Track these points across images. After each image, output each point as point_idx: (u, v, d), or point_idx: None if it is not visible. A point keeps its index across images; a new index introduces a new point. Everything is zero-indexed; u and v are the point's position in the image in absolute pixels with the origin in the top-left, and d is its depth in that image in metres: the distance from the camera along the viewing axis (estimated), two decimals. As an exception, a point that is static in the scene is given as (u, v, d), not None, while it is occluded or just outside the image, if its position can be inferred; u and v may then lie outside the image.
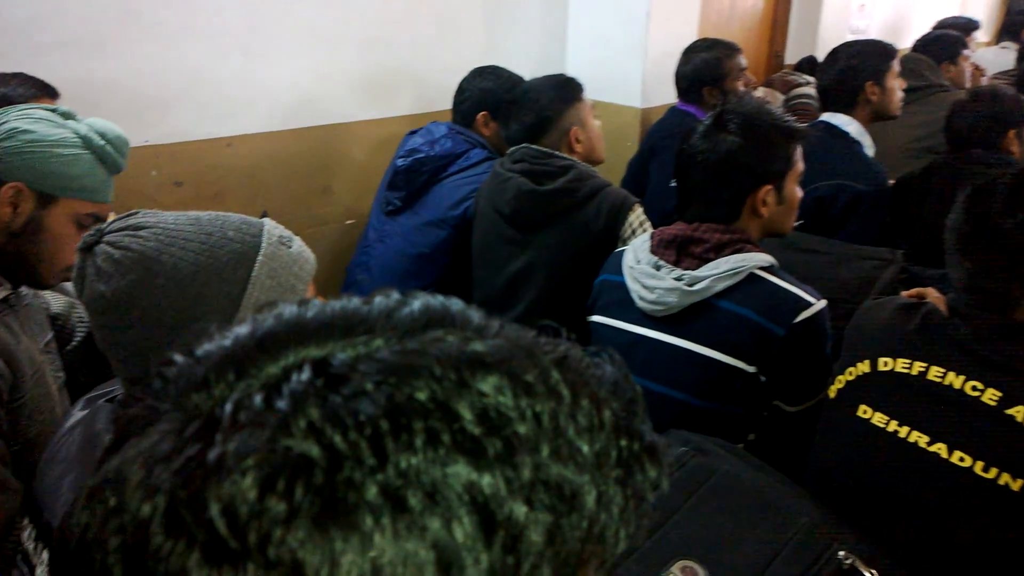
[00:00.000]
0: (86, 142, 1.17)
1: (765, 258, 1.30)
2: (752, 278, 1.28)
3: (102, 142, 1.18)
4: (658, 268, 1.34)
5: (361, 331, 0.33)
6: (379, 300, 0.35)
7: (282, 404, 0.29)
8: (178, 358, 0.33)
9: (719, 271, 1.27)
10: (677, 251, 1.33)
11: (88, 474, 0.78)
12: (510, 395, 0.30)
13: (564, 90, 1.81)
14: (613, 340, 1.41)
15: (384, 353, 0.31)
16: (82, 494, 0.31)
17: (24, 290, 1.27)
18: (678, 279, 1.30)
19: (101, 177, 1.21)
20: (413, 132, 2.11)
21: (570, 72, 1.97)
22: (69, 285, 1.51)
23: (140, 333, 0.81)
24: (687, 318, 1.31)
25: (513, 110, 1.82)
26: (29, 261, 1.20)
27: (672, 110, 2.47)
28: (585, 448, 0.32)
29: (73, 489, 0.80)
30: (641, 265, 1.36)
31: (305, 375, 0.30)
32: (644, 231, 1.67)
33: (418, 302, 0.35)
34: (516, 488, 0.29)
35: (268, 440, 0.28)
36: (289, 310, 0.35)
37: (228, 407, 0.29)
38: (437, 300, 0.36)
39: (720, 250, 1.30)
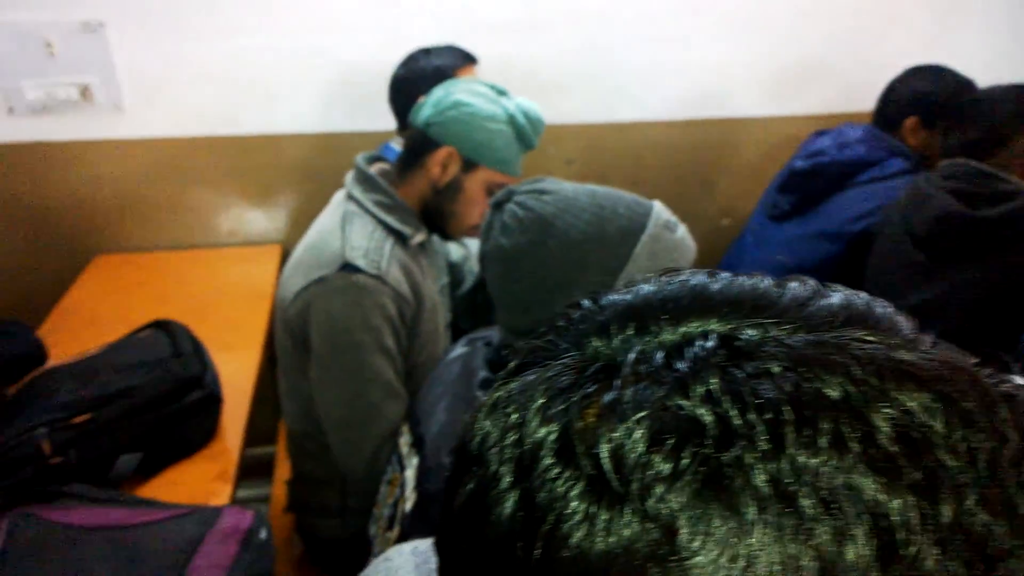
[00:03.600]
0: (511, 119, 1.35)
1: None
2: None
3: (524, 121, 1.35)
4: None
5: (769, 314, 0.32)
6: (794, 286, 0.34)
7: (682, 366, 0.30)
8: (585, 303, 0.37)
9: None
10: None
11: (461, 401, 0.90)
12: (941, 420, 0.27)
13: (1030, 104, 1.54)
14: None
15: (795, 340, 0.30)
16: (484, 406, 0.36)
17: (434, 237, 1.51)
18: None
19: (517, 152, 1.38)
20: (820, 133, 1.99)
21: (1041, 78, 1.67)
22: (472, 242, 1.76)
23: (525, 287, 0.91)
24: None
25: (955, 120, 1.61)
26: (443, 215, 1.43)
27: None
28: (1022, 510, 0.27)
29: (446, 410, 0.95)
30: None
31: (710, 343, 0.30)
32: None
33: (838, 295, 0.34)
34: (931, 527, 0.26)
35: (663, 397, 0.29)
36: (697, 278, 0.35)
37: (631, 357, 0.31)
38: (860, 298, 0.34)
39: None
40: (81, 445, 1.16)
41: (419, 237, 1.42)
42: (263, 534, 1.05)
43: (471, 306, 1.79)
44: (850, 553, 0.26)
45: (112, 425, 1.19)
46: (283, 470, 1.72)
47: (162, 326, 1.39)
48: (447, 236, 1.50)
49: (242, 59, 1.99)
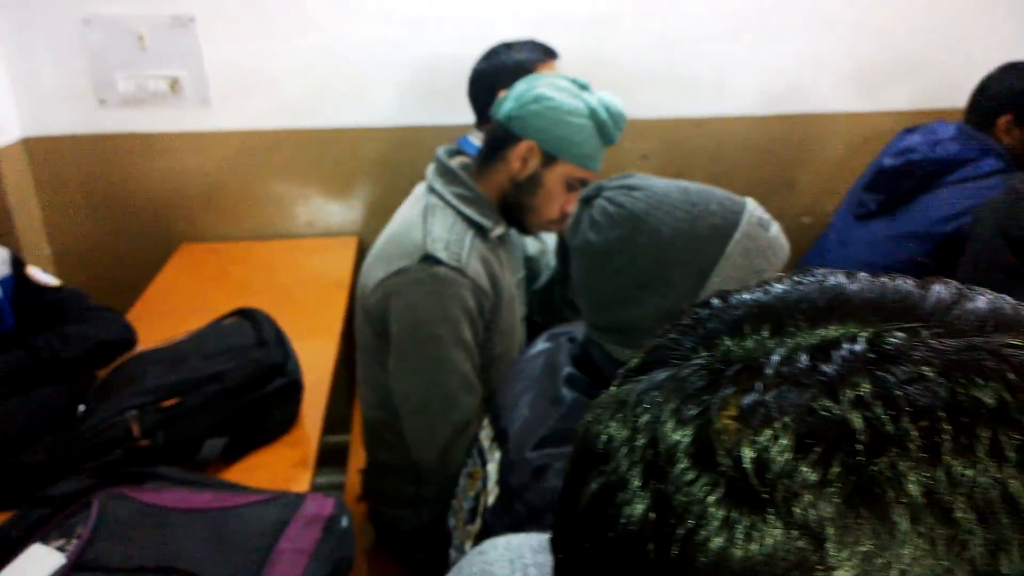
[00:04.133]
0: (592, 114, 1.34)
1: None
2: None
3: (606, 116, 1.34)
4: None
5: (912, 318, 0.31)
6: (937, 288, 0.33)
7: (829, 369, 0.29)
8: (714, 301, 0.36)
9: None
10: None
11: (544, 397, 0.89)
12: None
13: None
14: None
15: (944, 344, 0.29)
16: (606, 405, 0.35)
17: (512, 231, 1.51)
18: None
19: (597, 147, 1.37)
20: (910, 130, 1.92)
21: None
22: (544, 243, 1.75)
23: (613, 284, 0.91)
24: None
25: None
26: (522, 209, 1.43)
27: None
28: None
29: (529, 406, 0.94)
30: None
31: (858, 346, 0.29)
32: None
33: (983, 299, 0.32)
34: None
35: (809, 400, 0.28)
36: (833, 279, 0.34)
37: (774, 358, 0.30)
38: (1007, 302, 0.32)
39: None
40: (169, 428, 1.21)
41: (498, 230, 1.43)
42: (344, 522, 1.07)
43: (547, 301, 1.79)
44: (1004, 566, 0.25)
45: (199, 410, 1.23)
46: (357, 459, 1.75)
47: (246, 314, 1.43)
48: (525, 230, 1.50)
49: (324, 54, 2.03)
